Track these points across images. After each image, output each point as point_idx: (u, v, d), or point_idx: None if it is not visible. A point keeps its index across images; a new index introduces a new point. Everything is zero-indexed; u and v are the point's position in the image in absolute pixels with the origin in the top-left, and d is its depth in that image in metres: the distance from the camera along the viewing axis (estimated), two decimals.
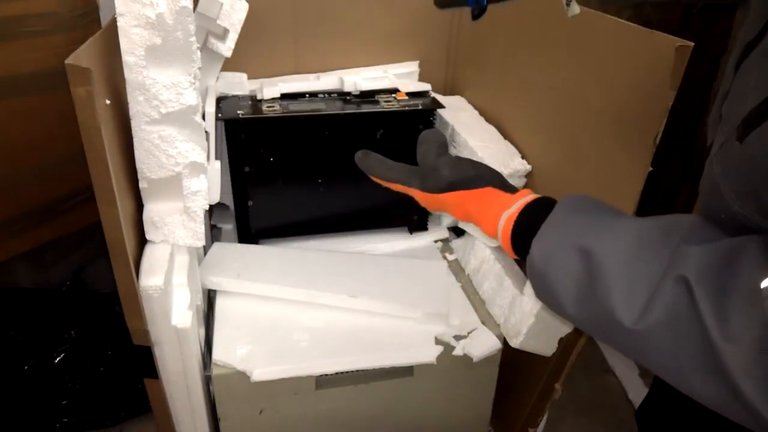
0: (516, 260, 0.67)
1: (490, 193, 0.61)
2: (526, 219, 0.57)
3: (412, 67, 1.39)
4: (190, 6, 0.73)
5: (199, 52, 0.78)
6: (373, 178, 0.70)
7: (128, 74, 0.73)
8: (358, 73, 1.29)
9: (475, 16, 0.78)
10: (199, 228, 0.84)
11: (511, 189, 0.63)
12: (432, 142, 0.68)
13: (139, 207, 0.83)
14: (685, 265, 0.45)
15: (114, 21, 0.72)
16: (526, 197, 0.60)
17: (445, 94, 1.42)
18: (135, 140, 0.77)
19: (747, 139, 0.46)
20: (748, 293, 0.42)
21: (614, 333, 0.48)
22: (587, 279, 0.50)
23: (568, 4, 0.77)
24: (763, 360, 0.40)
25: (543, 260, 0.54)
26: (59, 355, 1.25)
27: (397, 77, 1.31)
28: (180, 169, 0.80)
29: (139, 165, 0.79)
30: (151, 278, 0.77)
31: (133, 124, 0.76)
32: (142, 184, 0.80)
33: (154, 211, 0.82)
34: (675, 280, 0.44)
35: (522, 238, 0.57)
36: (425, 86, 1.25)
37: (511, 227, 0.58)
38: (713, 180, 0.52)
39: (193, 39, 0.75)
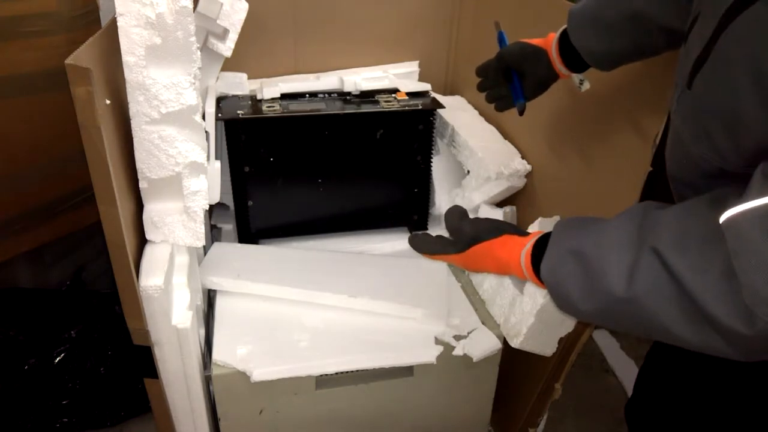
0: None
1: (509, 239, 0.71)
2: (538, 250, 0.66)
3: (412, 67, 1.39)
4: (190, 6, 0.73)
5: (199, 52, 0.78)
6: (424, 255, 0.80)
7: (128, 74, 0.73)
8: (358, 73, 1.29)
9: (521, 112, 0.90)
10: (199, 228, 0.84)
11: (524, 233, 0.72)
12: (453, 213, 0.77)
13: (139, 207, 0.83)
14: (653, 236, 0.53)
15: (114, 21, 0.72)
16: (537, 235, 0.69)
17: (445, 94, 1.42)
18: (135, 140, 0.77)
19: (693, 85, 0.54)
20: (706, 237, 0.49)
21: (616, 309, 0.56)
22: (584, 273, 0.58)
23: (581, 84, 0.89)
24: (728, 284, 0.46)
25: (551, 274, 0.63)
26: (59, 355, 1.25)
27: (397, 77, 1.31)
28: (180, 169, 0.80)
29: (139, 165, 0.79)
30: (151, 278, 0.77)
31: (133, 124, 0.76)
32: (142, 184, 0.80)
33: (154, 211, 0.82)
34: (648, 251, 0.53)
35: (538, 266, 0.65)
36: (425, 86, 1.25)
37: (530, 260, 0.67)
38: (676, 131, 0.61)
39: (193, 39, 0.75)
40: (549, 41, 0.85)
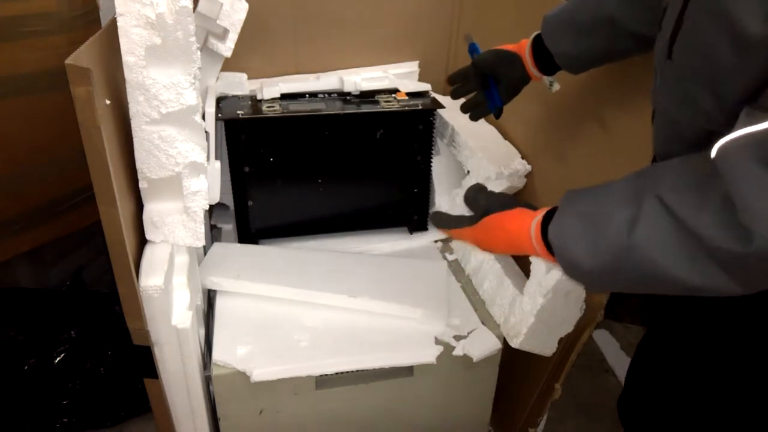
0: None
1: (521, 211, 0.72)
2: (547, 221, 0.67)
3: (412, 67, 1.39)
4: (190, 6, 0.73)
5: (199, 52, 0.78)
6: (442, 230, 0.82)
7: (128, 74, 0.73)
8: (358, 74, 1.29)
9: (497, 115, 0.94)
10: (199, 228, 0.84)
11: (535, 208, 0.74)
12: (472, 189, 0.79)
13: (139, 207, 0.83)
14: (653, 185, 0.56)
15: (114, 21, 0.72)
16: (548, 208, 0.70)
17: (445, 94, 1.42)
18: (135, 140, 0.77)
19: (672, 54, 0.58)
20: (703, 177, 0.53)
21: (622, 261, 0.58)
22: (588, 229, 0.61)
23: (551, 85, 0.95)
24: (726, 214, 0.49)
25: (557, 236, 0.65)
26: (59, 355, 1.25)
27: (397, 77, 1.31)
28: (180, 169, 0.80)
29: (139, 165, 0.79)
30: (151, 278, 0.77)
31: (133, 124, 0.76)
32: (142, 184, 0.80)
33: (154, 211, 0.82)
34: (649, 198, 0.55)
35: (546, 236, 0.67)
36: (425, 86, 1.24)
37: (539, 230, 0.68)
38: (661, 107, 0.64)
39: (193, 39, 0.75)
40: (522, 46, 0.90)
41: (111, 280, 0.75)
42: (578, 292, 0.87)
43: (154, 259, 0.80)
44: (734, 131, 0.48)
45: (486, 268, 1.07)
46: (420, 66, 1.40)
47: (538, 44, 0.87)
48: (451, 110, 1.26)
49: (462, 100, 0.97)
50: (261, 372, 0.90)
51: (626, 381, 0.92)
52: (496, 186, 1.13)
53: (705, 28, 0.51)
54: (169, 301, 0.82)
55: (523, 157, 1.13)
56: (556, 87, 0.96)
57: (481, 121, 1.27)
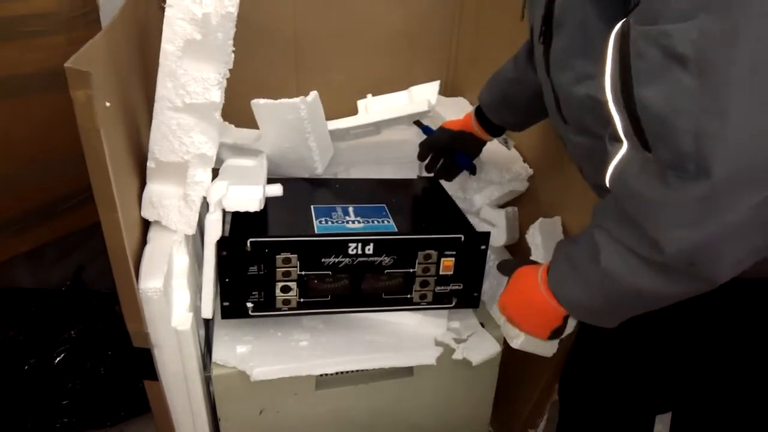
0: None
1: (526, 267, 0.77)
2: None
3: (433, 87, 1.24)
4: (235, 13, 0.78)
5: (232, 56, 0.82)
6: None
7: (163, 60, 0.77)
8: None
9: (474, 172, 1.12)
10: (193, 216, 0.85)
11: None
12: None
13: (140, 209, 0.83)
14: (600, 219, 0.61)
15: (114, 22, 0.73)
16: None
17: (446, 95, 1.42)
18: (153, 122, 0.80)
19: (566, 119, 0.72)
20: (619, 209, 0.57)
21: (605, 289, 0.61)
22: (573, 270, 0.65)
23: (506, 143, 1.10)
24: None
25: (554, 284, 0.69)
26: (59, 355, 1.25)
27: (415, 101, 1.22)
28: (189, 158, 0.82)
29: (151, 146, 0.81)
30: (150, 280, 0.77)
31: (156, 106, 0.79)
32: (149, 164, 0.83)
33: (154, 191, 0.84)
34: (598, 229, 0.61)
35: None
36: (423, 107, 1.20)
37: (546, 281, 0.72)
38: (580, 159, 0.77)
39: (230, 42, 0.80)
40: (468, 121, 1.03)
41: (111, 280, 0.75)
42: None
43: (153, 261, 0.80)
44: (609, 160, 0.56)
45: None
46: (423, 67, 1.38)
47: (481, 113, 1.01)
48: (452, 113, 1.26)
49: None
50: (261, 371, 0.90)
51: (566, 363, 0.94)
52: (498, 189, 1.13)
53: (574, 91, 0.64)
54: (169, 303, 0.82)
55: (524, 160, 1.12)
56: (512, 143, 1.10)
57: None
